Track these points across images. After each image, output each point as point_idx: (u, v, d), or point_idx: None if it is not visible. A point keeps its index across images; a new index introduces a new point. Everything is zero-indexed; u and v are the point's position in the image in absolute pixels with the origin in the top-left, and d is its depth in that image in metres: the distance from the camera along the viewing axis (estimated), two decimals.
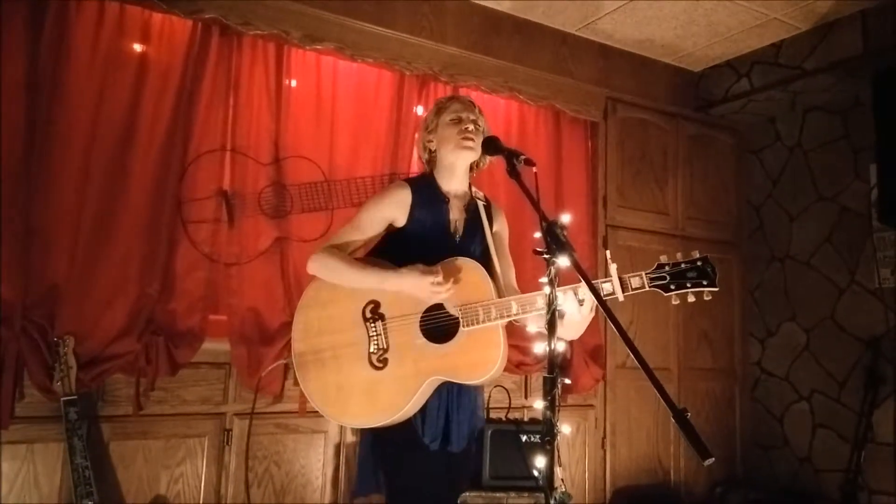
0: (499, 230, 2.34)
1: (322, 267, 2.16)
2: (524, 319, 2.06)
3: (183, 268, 3.01)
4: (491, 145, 2.05)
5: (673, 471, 4.33)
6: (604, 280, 1.92)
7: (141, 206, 2.93)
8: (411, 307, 2.10)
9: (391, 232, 2.23)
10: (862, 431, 3.95)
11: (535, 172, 1.80)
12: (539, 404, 1.64)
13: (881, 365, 4.00)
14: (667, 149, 4.53)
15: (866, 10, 3.70)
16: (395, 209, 2.19)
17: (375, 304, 2.14)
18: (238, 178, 3.17)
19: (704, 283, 1.91)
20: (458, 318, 2.06)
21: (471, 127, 2.19)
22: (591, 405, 4.09)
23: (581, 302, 1.93)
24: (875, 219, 4.02)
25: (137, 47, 3.00)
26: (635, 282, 1.93)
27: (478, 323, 2.03)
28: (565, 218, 1.74)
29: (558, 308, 1.85)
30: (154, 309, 2.92)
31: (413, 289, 2.07)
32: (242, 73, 3.20)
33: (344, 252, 2.17)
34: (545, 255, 1.67)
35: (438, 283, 2.02)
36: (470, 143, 2.16)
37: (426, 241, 2.18)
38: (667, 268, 1.93)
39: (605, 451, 4.09)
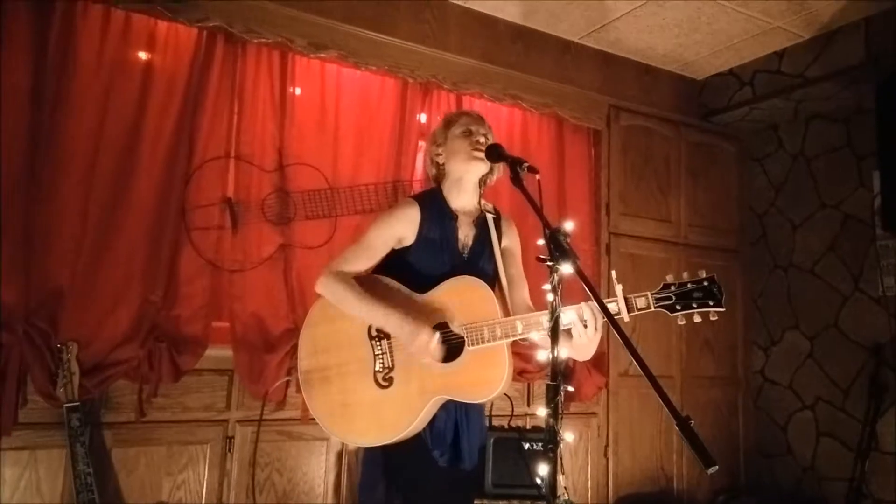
0: (509, 245, 2.31)
1: (330, 293, 2.14)
2: (530, 338, 2.05)
3: (186, 274, 3.01)
4: (494, 153, 2.05)
5: (676, 479, 4.31)
6: (609, 300, 1.90)
7: (145, 212, 2.93)
8: None
9: (399, 249, 2.21)
10: (866, 440, 3.93)
11: (539, 180, 1.80)
12: (542, 411, 1.63)
13: (885, 373, 3.98)
14: (670, 157, 4.54)
15: (869, 17, 3.70)
16: (404, 227, 2.17)
17: None
18: (242, 185, 3.18)
19: (711, 303, 1.88)
20: (463, 337, 2.05)
21: (482, 139, 2.18)
22: (594, 413, 4.08)
23: (585, 323, 1.92)
24: (878, 226, 4.01)
25: (142, 55, 3.01)
26: (641, 302, 1.91)
27: (483, 342, 2.02)
28: (568, 225, 1.73)
29: (565, 327, 1.86)
30: (157, 315, 2.93)
31: (406, 341, 2.04)
32: (247, 81, 3.21)
33: (351, 276, 2.15)
34: (548, 263, 1.66)
35: (427, 354, 2.01)
36: (481, 155, 2.14)
37: (434, 258, 2.17)
38: (672, 288, 1.91)
39: (607, 459, 4.08)
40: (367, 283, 2.17)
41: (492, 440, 3.34)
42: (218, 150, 3.13)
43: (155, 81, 3.01)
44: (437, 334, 2.03)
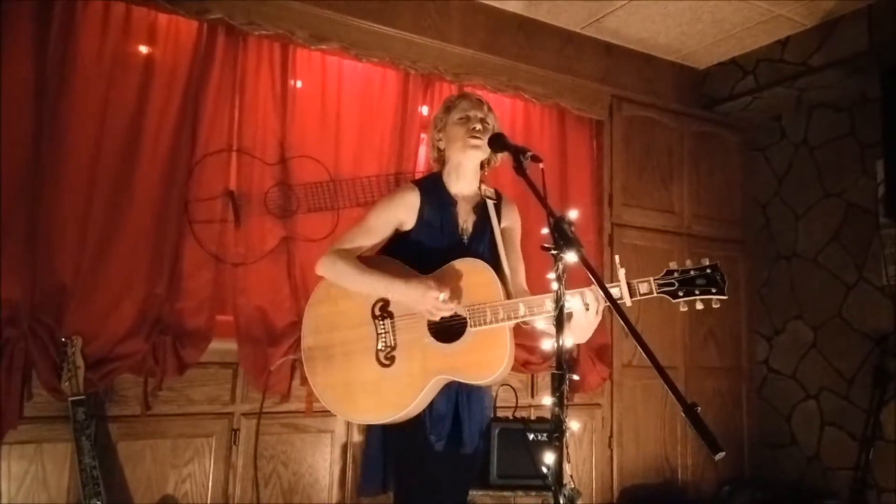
0: (509, 226, 2.31)
1: (330, 270, 2.16)
2: (532, 321, 2.06)
3: (190, 268, 3.01)
4: (497, 142, 2.05)
5: (680, 469, 4.31)
6: (612, 285, 1.89)
7: (148, 206, 2.93)
8: None
9: (400, 233, 2.22)
10: (870, 429, 3.94)
11: (542, 169, 1.80)
12: (547, 400, 1.63)
13: (889, 362, 3.98)
14: (672, 147, 4.52)
15: (872, 5, 3.68)
16: (404, 211, 2.19)
17: (384, 302, 2.14)
18: (244, 178, 3.18)
19: (713, 290, 1.88)
20: (465, 318, 2.05)
21: (478, 126, 2.17)
22: (598, 404, 4.08)
23: (587, 307, 1.92)
24: (882, 215, 4.00)
25: (143, 48, 3.01)
26: (643, 287, 1.91)
27: (485, 324, 2.03)
28: (573, 214, 1.73)
29: (567, 309, 1.85)
30: (161, 309, 2.93)
31: (417, 303, 2.04)
32: (248, 74, 3.20)
33: (352, 255, 2.16)
34: (553, 252, 1.66)
35: (444, 301, 2.00)
36: (477, 142, 2.14)
37: (434, 243, 2.18)
38: (675, 274, 1.91)
39: (611, 450, 4.08)
40: (370, 263, 2.17)
41: (496, 431, 3.35)
42: (220, 143, 3.12)
43: (156, 75, 3.00)
44: (446, 291, 2.01)
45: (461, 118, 2.21)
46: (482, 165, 2.28)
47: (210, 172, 3.09)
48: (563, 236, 1.64)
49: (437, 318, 2.05)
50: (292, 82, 3.30)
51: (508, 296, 2.08)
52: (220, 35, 3.14)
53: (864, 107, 4.24)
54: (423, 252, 2.16)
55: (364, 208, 3.32)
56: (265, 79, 3.23)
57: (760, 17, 3.87)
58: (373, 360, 2.12)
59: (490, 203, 2.27)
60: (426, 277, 2.05)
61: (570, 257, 1.63)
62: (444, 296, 2.01)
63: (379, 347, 2.12)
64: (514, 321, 2.02)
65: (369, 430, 2.28)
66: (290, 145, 3.26)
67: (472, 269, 2.09)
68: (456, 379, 2.08)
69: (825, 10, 3.78)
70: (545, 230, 1.69)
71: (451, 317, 2.08)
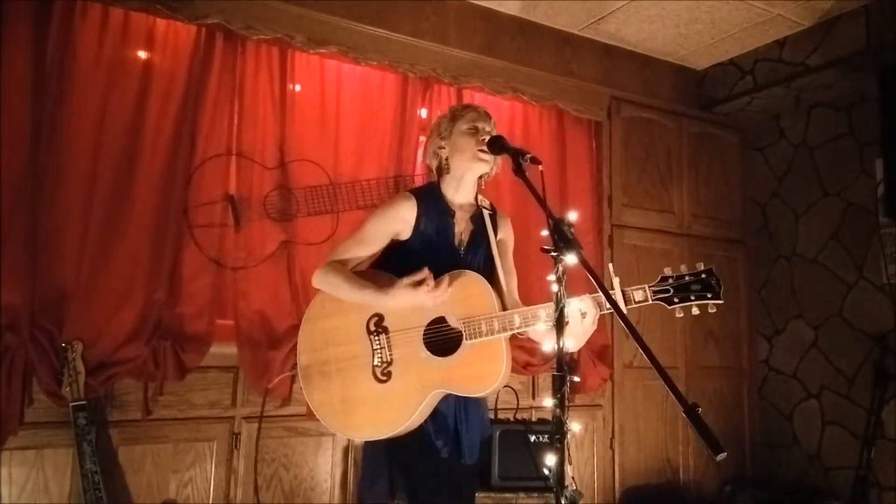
0: (503, 238, 2.31)
1: (324, 283, 2.16)
2: (527, 332, 2.06)
3: (190, 272, 3.01)
4: (496, 144, 2.05)
5: (682, 470, 4.31)
6: None
7: (147, 211, 2.94)
8: (415, 320, 2.09)
9: (396, 243, 2.22)
10: (872, 428, 3.93)
11: (541, 171, 1.80)
12: (548, 402, 1.63)
13: (889, 361, 3.97)
14: (671, 148, 4.53)
15: (869, 5, 3.69)
16: (400, 223, 2.18)
17: (379, 318, 2.13)
18: (244, 182, 3.18)
19: (709, 296, 1.89)
20: (461, 331, 2.05)
21: (487, 139, 2.16)
22: (599, 405, 4.08)
23: (583, 315, 1.91)
24: (881, 214, 4.00)
25: (142, 53, 3.01)
26: (638, 295, 1.91)
27: (480, 336, 2.02)
28: (572, 215, 1.73)
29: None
30: (161, 313, 2.93)
31: (410, 303, 2.04)
32: (247, 78, 3.20)
33: (347, 267, 2.16)
34: (552, 253, 1.66)
35: (432, 291, 2.00)
36: (487, 157, 2.13)
37: (430, 253, 2.16)
38: (670, 280, 1.91)
39: (613, 451, 4.08)
40: (364, 277, 2.17)
41: (497, 433, 3.35)
42: (219, 148, 3.13)
43: (155, 80, 3.00)
44: (430, 274, 2.01)
45: (470, 129, 2.18)
46: (479, 176, 2.27)
47: (209, 177, 3.09)
48: (562, 238, 1.64)
49: (441, 298, 2.02)
50: (291, 86, 3.31)
51: (504, 307, 2.08)
52: (219, 40, 3.14)
53: (863, 106, 4.25)
54: (419, 262, 2.13)
55: (364, 211, 3.32)
56: (264, 83, 3.23)
57: (758, 17, 3.88)
58: (369, 376, 2.11)
59: (486, 213, 2.26)
60: (401, 281, 2.03)
61: (570, 259, 1.63)
62: (428, 288, 1.98)
63: (375, 363, 2.12)
64: (509, 333, 2.01)
65: (368, 444, 2.26)
66: (290, 149, 3.26)
67: (468, 281, 2.08)
68: (453, 392, 2.07)
69: (823, 10, 3.78)
70: (545, 232, 1.69)
71: (446, 330, 2.08)
